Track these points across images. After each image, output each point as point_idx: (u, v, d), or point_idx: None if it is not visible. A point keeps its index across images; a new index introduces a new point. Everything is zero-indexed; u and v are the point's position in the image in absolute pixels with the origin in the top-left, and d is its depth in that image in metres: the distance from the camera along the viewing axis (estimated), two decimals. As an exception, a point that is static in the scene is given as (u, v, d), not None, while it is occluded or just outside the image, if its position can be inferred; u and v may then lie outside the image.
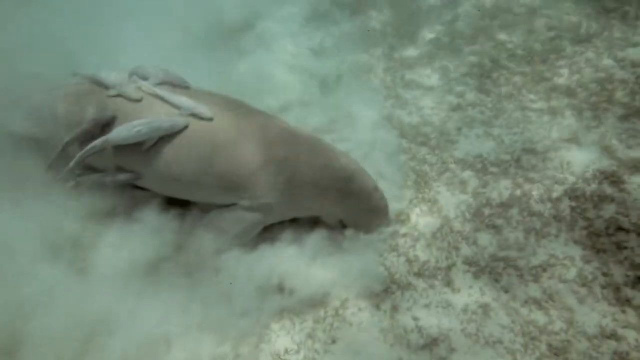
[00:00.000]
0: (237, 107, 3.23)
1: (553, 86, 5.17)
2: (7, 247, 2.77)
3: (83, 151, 2.98)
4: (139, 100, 3.12)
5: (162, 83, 3.26)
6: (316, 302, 2.94)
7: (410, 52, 6.00)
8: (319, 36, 6.15)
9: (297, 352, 2.71)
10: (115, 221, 3.15)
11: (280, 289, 3.03)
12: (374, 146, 4.18)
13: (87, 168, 3.21)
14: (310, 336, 2.77)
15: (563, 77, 5.30)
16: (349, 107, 4.73)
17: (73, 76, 3.35)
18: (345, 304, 2.94)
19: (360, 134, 4.33)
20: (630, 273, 3.19)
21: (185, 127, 3.01)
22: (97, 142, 2.98)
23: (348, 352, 2.68)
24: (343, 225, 3.32)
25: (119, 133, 2.96)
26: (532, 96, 5.08)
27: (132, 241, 3.04)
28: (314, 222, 3.39)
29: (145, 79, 3.28)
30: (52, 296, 2.71)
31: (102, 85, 3.24)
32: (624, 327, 2.86)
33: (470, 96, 5.12)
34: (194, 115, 3.05)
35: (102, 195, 3.20)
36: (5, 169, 3.18)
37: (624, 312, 2.95)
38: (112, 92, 3.17)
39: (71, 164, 3.00)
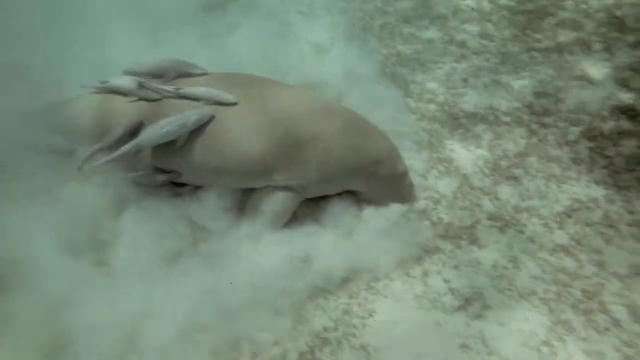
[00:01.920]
0: (261, 85, 3.17)
1: (559, 21, 5.00)
2: (29, 248, 2.81)
3: (114, 154, 2.96)
4: (159, 100, 3.08)
5: (178, 76, 3.20)
6: (348, 277, 2.97)
7: (405, 3, 5.79)
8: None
9: (336, 329, 2.77)
10: (130, 212, 3.15)
11: (309, 267, 3.05)
12: (381, 107, 4.09)
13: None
14: (346, 312, 2.82)
15: (568, 10, 5.11)
16: (350, 67, 4.58)
17: (81, 87, 3.28)
18: (377, 276, 2.97)
19: (364, 96, 4.22)
20: (656, 207, 3.17)
21: (213, 116, 2.97)
22: (127, 146, 2.96)
23: (386, 324, 2.74)
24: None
25: (148, 136, 2.93)
26: (537, 35, 4.92)
27: (150, 232, 3.05)
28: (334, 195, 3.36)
29: (160, 76, 3.21)
30: (85, 292, 2.76)
31: (118, 92, 3.19)
32: (655, 263, 2.88)
33: (473, 43, 4.96)
34: (218, 103, 3.01)
35: (114, 186, 3.20)
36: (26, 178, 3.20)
37: (653, 248, 2.96)
38: (131, 98, 3.13)
39: (99, 162, 2.98)
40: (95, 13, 4.69)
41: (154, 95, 3.09)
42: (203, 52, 4.09)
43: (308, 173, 3.02)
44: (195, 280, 2.90)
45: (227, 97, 3.00)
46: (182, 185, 3.33)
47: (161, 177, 3.14)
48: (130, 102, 3.13)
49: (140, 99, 3.11)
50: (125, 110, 3.13)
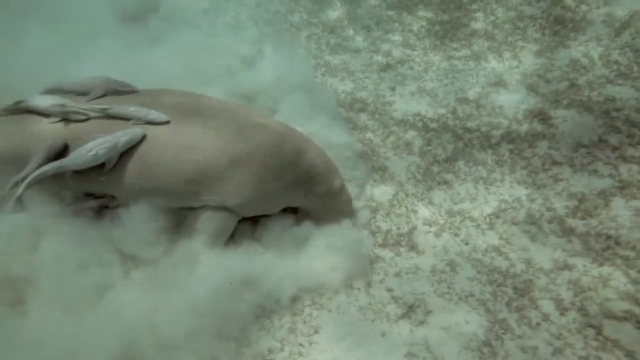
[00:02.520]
0: (194, 102, 3.02)
1: (472, 32, 5.30)
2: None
3: (32, 176, 2.69)
4: (85, 120, 2.85)
5: (105, 94, 2.97)
6: (292, 295, 2.90)
7: (330, 14, 5.86)
8: (231, 9, 5.82)
9: (282, 349, 2.69)
10: (48, 242, 2.85)
11: (251, 288, 2.95)
12: (313, 118, 4.08)
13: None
14: (291, 330, 2.76)
15: (479, 21, 5.43)
16: (280, 78, 4.52)
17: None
18: (320, 291, 2.93)
19: (296, 107, 4.19)
20: (569, 203, 3.44)
21: (144, 136, 2.79)
22: (48, 166, 2.70)
23: (333, 338, 2.71)
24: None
25: (75, 159, 2.70)
26: (454, 44, 5.18)
27: (72, 262, 2.80)
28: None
29: (85, 93, 2.97)
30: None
31: (37, 112, 2.89)
32: (572, 255, 3.11)
33: (397, 53, 5.12)
34: (150, 122, 2.83)
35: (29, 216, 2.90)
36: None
37: (570, 241, 3.19)
38: (52, 119, 2.85)
39: (19, 190, 2.70)
40: (10, 23, 4.26)
41: (79, 116, 2.84)
42: (125, 65, 3.85)
43: (244, 192, 2.91)
44: (128, 312, 2.68)
45: (159, 115, 2.83)
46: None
47: (92, 203, 2.90)
48: (52, 123, 2.85)
49: (63, 119, 2.85)
50: (47, 133, 2.85)
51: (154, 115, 2.84)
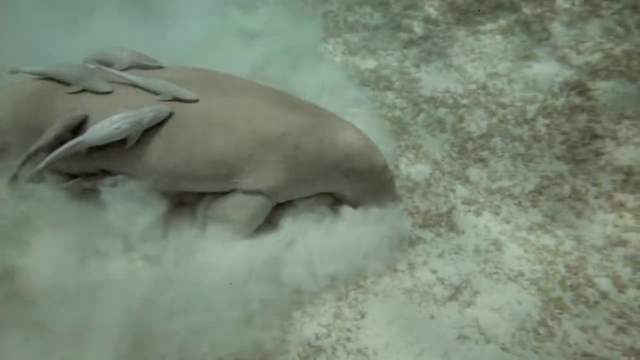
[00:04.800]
0: (222, 82, 2.86)
1: (497, 3, 5.09)
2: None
3: (54, 153, 2.56)
4: (109, 92, 2.69)
5: (130, 67, 2.82)
6: (333, 279, 2.77)
7: (345, -9, 5.65)
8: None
9: (329, 335, 2.57)
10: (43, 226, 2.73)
11: (289, 273, 2.82)
12: (337, 97, 3.92)
13: (70, 176, 2.79)
14: (337, 316, 2.63)
15: (504, -8, 5.22)
16: (298, 58, 4.35)
17: (11, 73, 2.78)
18: (363, 275, 2.80)
19: (319, 87, 4.03)
20: (615, 177, 3.28)
21: (170, 114, 2.64)
22: (69, 143, 2.56)
23: (380, 323, 2.58)
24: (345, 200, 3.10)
25: (95, 133, 2.55)
26: (479, 18, 4.98)
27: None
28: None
29: (109, 65, 2.81)
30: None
31: (60, 80, 2.74)
32: (626, 231, 2.96)
33: (419, 29, 4.94)
34: (177, 99, 2.68)
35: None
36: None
37: (621, 217, 3.04)
38: (74, 87, 2.69)
39: (40, 165, 2.58)
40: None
41: (104, 87, 2.68)
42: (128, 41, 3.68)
43: (277, 174, 2.77)
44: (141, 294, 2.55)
45: (187, 93, 2.68)
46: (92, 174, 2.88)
47: (109, 180, 2.74)
48: (73, 92, 2.70)
49: (85, 90, 2.70)
50: (65, 103, 2.70)
51: (183, 92, 2.70)
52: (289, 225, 2.90)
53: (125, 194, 2.75)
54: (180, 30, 4.42)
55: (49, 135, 2.60)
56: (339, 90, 4.05)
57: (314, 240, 2.85)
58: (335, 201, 3.08)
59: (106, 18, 4.05)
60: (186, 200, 3.00)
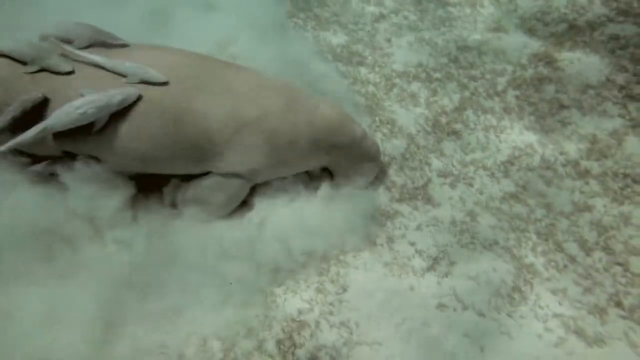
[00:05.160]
0: (193, 62, 2.77)
1: (465, -24, 5.08)
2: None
3: (16, 140, 2.45)
4: (70, 73, 2.56)
5: (91, 45, 2.70)
6: (313, 254, 2.81)
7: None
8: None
9: (311, 309, 2.62)
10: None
11: (268, 249, 2.84)
12: (310, 73, 3.89)
13: (32, 157, 2.71)
14: (319, 290, 2.68)
15: (471, -35, 5.22)
16: (268, 35, 4.25)
17: None
18: (343, 249, 2.85)
19: (291, 64, 3.97)
20: (582, 146, 3.41)
21: (139, 97, 2.55)
22: (33, 130, 2.45)
23: (362, 296, 2.65)
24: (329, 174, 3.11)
25: (60, 119, 2.44)
26: (448, -10, 4.98)
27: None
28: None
29: (67, 42, 2.66)
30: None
31: (14, 59, 2.60)
32: (591, 197, 3.09)
33: (389, 3, 4.91)
34: (146, 81, 2.58)
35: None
36: None
37: (587, 183, 3.17)
38: (31, 67, 2.56)
39: (0, 149, 2.47)
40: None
41: (65, 67, 2.57)
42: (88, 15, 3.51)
43: (256, 157, 2.74)
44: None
45: (156, 75, 2.59)
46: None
47: (77, 165, 2.67)
48: (30, 72, 2.57)
49: (44, 69, 2.57)
50: (22, 84, 2.57)
51: (152, 74, 2.61)
52: (262, 203, 2.90)
53: (89, 176, 2.70)
54: (137, 5, 4.25)
55: (5, 117, 2.49)
56: (311, 67, 4.01)
57: (289, 218, 2.87)
58: (311, 179, 3.09)
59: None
60: (152, 183, 2.96)
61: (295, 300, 2.65)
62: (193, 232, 2.84)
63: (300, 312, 2.60)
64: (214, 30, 4.16)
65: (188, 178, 2.88)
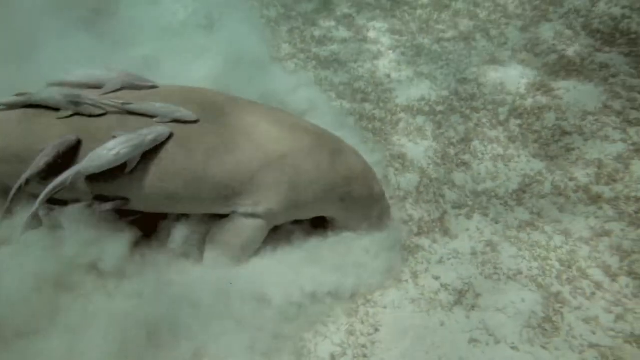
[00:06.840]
0: (222, 101, 2.80)
1: (455, 12, 5.30)
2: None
3: (48, 188, 2.42)
4: (103, 115, 2.59)
5: (123, 88, 2.72)
6: (339, 297, 2.77)
7: (306, 6, 5.71)
8: (202, 9, 5.52)
9: (344, 353, 2.55)
10: None
11: (293, 295, 2.78)
12: (316, 113, 3.93)
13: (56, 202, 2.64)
14: (350, 332, 2.62)
15: (459, 1, 5.45)
16: (271, 82, 4.32)
17: None
18: (370, 289, 2.81)
19: (296, 104, 4.03)
20: (589, 171, 3.48)
21: (170, 135, 2.56)
22: (65, 175, 2.42)
23: (394, 335, 2.60)
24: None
25: (94, 161, 2.43)
26: (440, 26, 5.16)
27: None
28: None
29: (99, 87, 2.71)
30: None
31: (45, 106, 2.62)
32: (606, 221, 3.13)
33: (385, 40, 5.05)
34: (177, 120, 2.60)
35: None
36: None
37: (600, 208, 3.22)
38: (63, 113, 2.56)
39: (36, 205, 2.43)
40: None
41: (95, 110, 2.57)
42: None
43: (276, 197, 2.74)
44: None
45: (187, 114, 2.62)
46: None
47: (106, 206, 2.63)
48: (62, 118, 2.58)
49: (76, 114, 2.58)
50: (56, 129, 2.57)
51: (182, 113, 2.63)
52: (277, 246, 2.87)
53: (88, 221, 2.64)
54: (138, 51, 4.30)
55: (39, 162, 2.47)
56: (316, 105, 4.06)
57: (307, 260, 2.83)
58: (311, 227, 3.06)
59: (54, 46, 3.88)
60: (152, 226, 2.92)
61: (326, 344, 2.59)
62: (207, 275, 2.78)
63: (333, 356, 2.54)
64: (213, 72, 4.20)
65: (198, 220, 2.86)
